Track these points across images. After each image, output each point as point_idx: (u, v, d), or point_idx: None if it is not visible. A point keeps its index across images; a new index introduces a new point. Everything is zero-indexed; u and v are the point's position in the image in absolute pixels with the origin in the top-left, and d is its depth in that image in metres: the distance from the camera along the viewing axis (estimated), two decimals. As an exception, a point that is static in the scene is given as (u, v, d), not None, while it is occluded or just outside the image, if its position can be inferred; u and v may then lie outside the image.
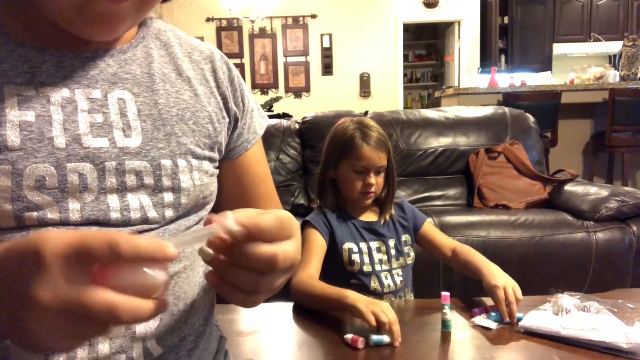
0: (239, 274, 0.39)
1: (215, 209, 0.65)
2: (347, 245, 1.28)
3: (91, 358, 0.48)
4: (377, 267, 1.28)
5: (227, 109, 0.62)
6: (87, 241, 0.32)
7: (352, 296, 1.02)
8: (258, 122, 0.70)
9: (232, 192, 0.67)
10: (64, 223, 0.47)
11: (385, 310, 0.95)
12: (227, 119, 0.62)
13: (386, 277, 1.28)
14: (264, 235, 0.39)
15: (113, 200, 0.50)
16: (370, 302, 0.98)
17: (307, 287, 1.13)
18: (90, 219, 0.48)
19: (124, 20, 0.47)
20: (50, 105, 0.48)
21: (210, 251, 0.39)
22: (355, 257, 1.28)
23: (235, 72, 0.66)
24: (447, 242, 1.31)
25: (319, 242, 1.26)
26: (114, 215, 0.50)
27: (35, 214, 0.46)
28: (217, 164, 0.62)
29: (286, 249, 0.40)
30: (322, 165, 1.35)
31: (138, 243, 0.32)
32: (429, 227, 1.36)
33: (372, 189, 1.27)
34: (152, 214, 0.52)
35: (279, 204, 0.75)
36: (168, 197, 0.53)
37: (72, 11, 0.44)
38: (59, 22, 0.46)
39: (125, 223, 0.50)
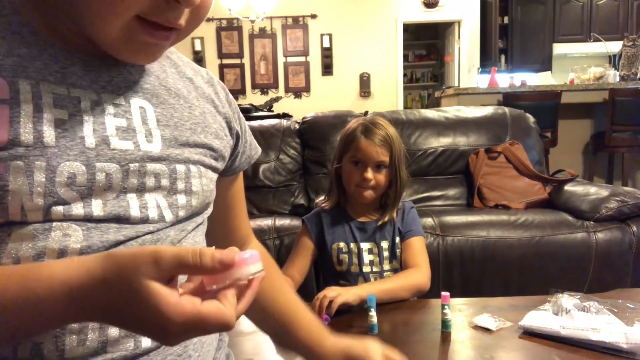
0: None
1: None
2: (337, 244, 1.29)
3: (101, 341, 0.49)
4: (367, 269, 1.28)
5: (230, 128, 0.68)
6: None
7: None
8: (255, 142, 0.76)
9: (219, 206, 0.72)
10: (87, 218, 0.49)
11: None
12: (230, 138, 0.68)
13: (375, 279, 1.28)
14: None
15: (132, 199, 0.52)
16: None
17: None
18: (112, 214, 0.50)
19: (165, 49, 0.53)
20: (81, 106, 0.50)
21: None
22: (344, 257, 1.28)
23: (230, 95, 0.72)
24: (408, 263, 1.27)
25: (306, 244, 1.31)
26: (134, 212, 0.52)
27: (61, 208, 0.47)
28: (217, 175, 0.67)
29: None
30: (332, 162, 1.38)
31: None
32: (412, 243, 1.30)
33: (369, 184, 1.27)
34: (167, 213, 0.55)
35: (249, 226, 0.83)
36: (181, 199, 0.57)
37: (120, 42, 0.48)
38: (106, 48, 0.50)
39: (144, 220, 0.53)
